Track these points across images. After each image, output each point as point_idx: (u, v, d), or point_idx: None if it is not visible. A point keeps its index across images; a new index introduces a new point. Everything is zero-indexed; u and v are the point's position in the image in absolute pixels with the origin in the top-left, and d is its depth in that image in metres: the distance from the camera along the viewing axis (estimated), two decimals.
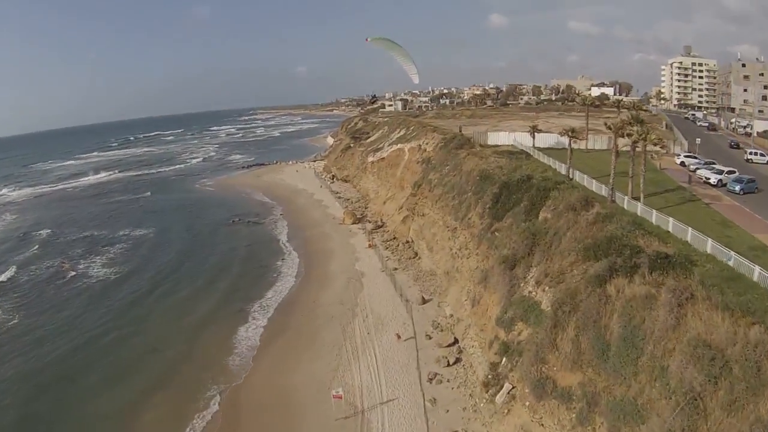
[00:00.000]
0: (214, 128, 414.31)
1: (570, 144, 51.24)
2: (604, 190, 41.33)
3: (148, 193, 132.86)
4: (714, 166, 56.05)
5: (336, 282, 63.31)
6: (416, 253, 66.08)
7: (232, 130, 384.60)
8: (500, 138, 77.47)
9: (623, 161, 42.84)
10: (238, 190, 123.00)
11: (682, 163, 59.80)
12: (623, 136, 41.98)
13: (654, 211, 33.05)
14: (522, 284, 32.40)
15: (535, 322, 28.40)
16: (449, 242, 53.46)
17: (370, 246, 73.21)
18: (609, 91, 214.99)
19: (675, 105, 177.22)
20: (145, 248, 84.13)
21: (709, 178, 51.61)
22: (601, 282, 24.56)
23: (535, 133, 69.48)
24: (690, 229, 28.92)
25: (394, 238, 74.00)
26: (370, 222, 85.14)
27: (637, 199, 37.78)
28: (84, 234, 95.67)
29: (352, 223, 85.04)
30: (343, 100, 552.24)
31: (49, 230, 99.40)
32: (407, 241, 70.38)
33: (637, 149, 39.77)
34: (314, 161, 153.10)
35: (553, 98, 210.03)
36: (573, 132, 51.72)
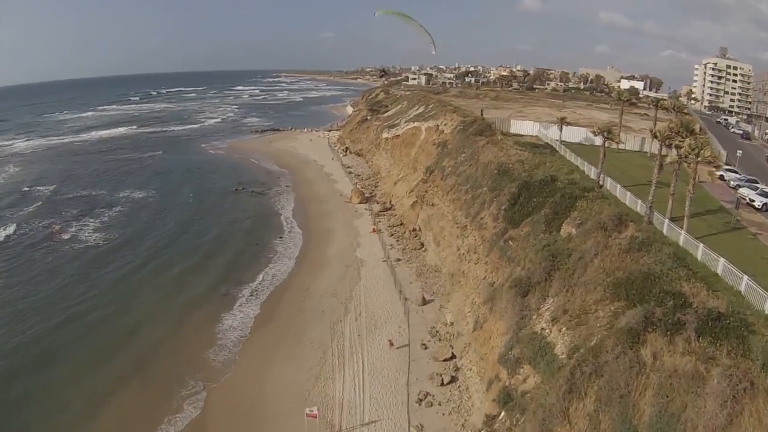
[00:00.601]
0: (238, 88, 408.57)
1: (604, 146, 44.97)
2: (639, 206, 35.39)
3: (159, 152, 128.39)
4: (758, 185, 47.97)
5: (333, 269, 58.71)
6: (422, 244, 60.95)
7: (256, 91, 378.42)
8: (524, 127, 71.36)
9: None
10: (248, 156, 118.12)
11: (722, 177, 52.25)
12: (670, 147, 35.99)
13: (701, 245, 27.13)
14: (534, 317, 27.11)
15: (545, 369, 23.24)
16: (458, 240, 48.19)
17: (374, 231, 68.24)
18: (639, 85, 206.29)
19: (705, 107, 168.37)
20: (144, 214, 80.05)
21: (753, 200, 43.76)
22: (635, 339, 19.26)
23: (563, 126, 63.27)
24: (745, 276, 23.16)
25: (401, 224, 68.89)
26: (378, 203, 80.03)
27: (678, 220, 31.93)
28: (84, 192, 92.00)
29: (359, 203, 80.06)
30: (368, 70, 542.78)
31: (49, 186, 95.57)
32: (414, 229, 65.18)
33: (684, 163, 33.17)
34: (329, 131, 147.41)
35: (581, 87, 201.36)
36: (609, 133, 45.16)
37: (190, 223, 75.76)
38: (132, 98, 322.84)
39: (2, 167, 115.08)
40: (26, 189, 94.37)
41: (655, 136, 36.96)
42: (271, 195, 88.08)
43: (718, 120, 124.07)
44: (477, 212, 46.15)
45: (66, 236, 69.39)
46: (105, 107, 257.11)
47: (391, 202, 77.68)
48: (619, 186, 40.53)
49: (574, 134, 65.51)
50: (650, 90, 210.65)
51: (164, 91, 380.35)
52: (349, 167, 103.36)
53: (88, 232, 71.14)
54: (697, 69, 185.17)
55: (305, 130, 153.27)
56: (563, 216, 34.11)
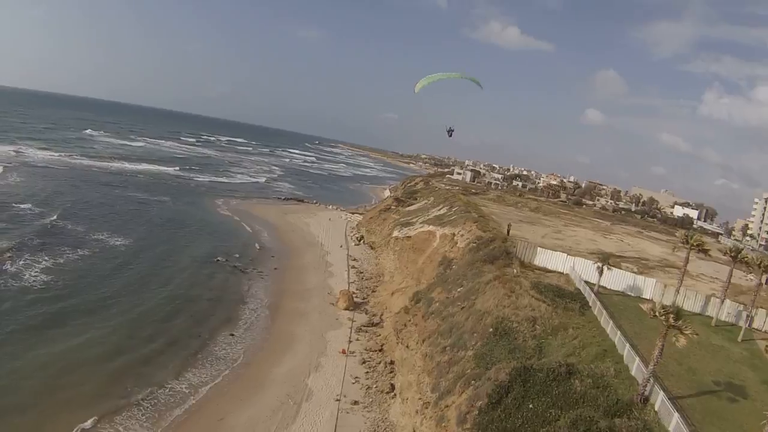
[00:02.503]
0: (295, 152, 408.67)
1: (668, 331, 26.65)
2: None
3: (168, 199, 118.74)
4: None
5: (268, 397, 44.89)
6: (392, 388, 45.86)
7: (311, 157, 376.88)
8: (554, 259, 55.67)
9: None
10: (251, 223, 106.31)
11: None
12: None
13: None
14: None
15: None
16: (415, 418, 33.25)
17: (343, 352, 53.77)
18: (693, 213, 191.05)
19: (761, 245, 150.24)
20: (102, 266, 67.67)
21: None
22: None
23: (605, 269, 48.55)
24: None
25: (381, 350, 54.32)
26: (367, 313, 65.78)
27: None
28: (62, 223, 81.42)
29: (345, 308, 65.96)
30: (423, 156, 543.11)
31: (32, 207, 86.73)
32: (392, 362, 50.38)
33: None
34: (353, 213, 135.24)
35: (632, 209, 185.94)
36: (676, 318, 26.02)
37: (144, 289, 62.99)
38: (184, 138, 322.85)
39: (3, 175, 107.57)
40: (5, 202, 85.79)
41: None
42: (252, 276, 75.02)
43: None
44: (445, 393, 31.38)
45: (8, 267, 59.72)
46: (157, 140, 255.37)
47: (381, 317, 63.23)
48: (676, 416, 23.74)
49: (618, 280, 50.55)
50: (704, 220, 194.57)
51: (223, 139, 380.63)
52: (355, 260, 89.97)
53: (33, 272, 60.24)
54: (756, 203, 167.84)
55: (330, 207, 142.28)
56: None
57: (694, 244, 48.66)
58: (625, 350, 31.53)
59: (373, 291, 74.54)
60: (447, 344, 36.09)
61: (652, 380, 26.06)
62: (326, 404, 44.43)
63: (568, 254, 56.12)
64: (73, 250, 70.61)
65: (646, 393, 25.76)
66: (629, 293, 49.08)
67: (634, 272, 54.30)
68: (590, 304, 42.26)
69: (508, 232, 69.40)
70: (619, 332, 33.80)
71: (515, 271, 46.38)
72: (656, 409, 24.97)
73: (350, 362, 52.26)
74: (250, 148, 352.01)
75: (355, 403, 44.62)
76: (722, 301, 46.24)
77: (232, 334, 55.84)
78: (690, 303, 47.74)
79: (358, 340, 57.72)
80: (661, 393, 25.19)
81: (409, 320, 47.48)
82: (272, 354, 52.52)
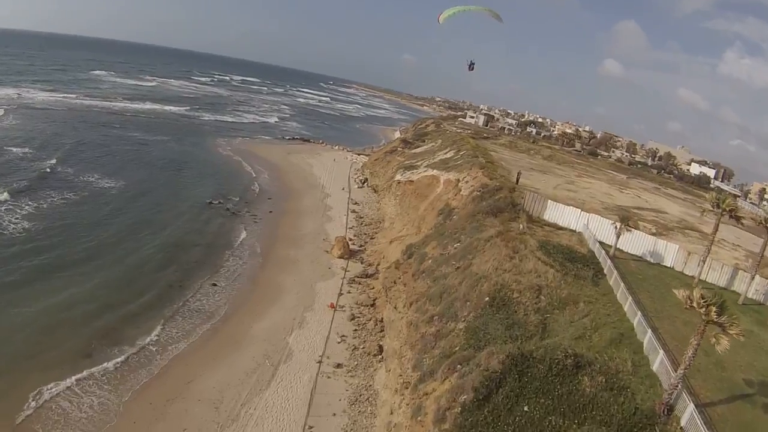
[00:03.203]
0: (308, 92, 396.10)
1: (700, 339, 20.65)
2: None
3: (169, 139, 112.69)
4: None
5: (245, 356, 40.60)
6: (381, 350, 41.03)
7: (326, 98, 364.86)
8: (565, 215, 48.47)
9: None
10: (253, 164, 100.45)
11: None
12: None
13: None
14: None
15: None
16: (394, 398, 28.21)
17: (332, 306, 48.95)
18: (710, 172, 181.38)
19: None
20: (89, 210, 62.85)
21: None
22: None
23: (624, 230, 41.72)
24: None
25: (373, 305, 49.35)
26: (363, 262, 60.73)
27: None
28: (53, 165, 76.15)
29: (340, 257, 60.92)
30: (438, 99, 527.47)
31: (25, 149, 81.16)
32: (382, 320, 45.45)
33: None
34: (359, 154, 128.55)
35: (649, 163, 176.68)
36: (719, 313, 19.84)
37: (130, 236, 58.24)
38: (196, 77, 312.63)
39: (0, 118, 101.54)
40: None
41: None
42: (246, 219, 70.00)
43: None
44: (427, 374, 26.02)
45: None
46: (168, 80, 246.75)
47: (377, 267, 57.98)
48: None
49: (637, 243, 43.98)
50: (722, 180, 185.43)
51: (237, 78, 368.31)
52: (356, 203, 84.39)
53: (14, 218, 55.40)
54: None
55: (336, 147, 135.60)
56: None
57: (726, 209, 41.05)
58: (646, 338, 25.58)
59: (372, 238, 69.25)
60: (435, 312, 30.59)
61: (680, 386, 20.50)
62: (307, 366, 39.96)
63: (582, 210, 48.99)
64: (59, 193, 65.89)
65: (672, 401, 20.24)
66: (648, 259, 42.82)
67: (652, 234, 47.82)
68: (605, 271, 35.81)
69: (518, 180, 63.11)
70: (639, 313, 27.66)
71: (521, 226, 40.40)
72: (682, 425, 19.46)
73: (338, 318, 47.55)
74: (264, 88, 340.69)
75: (339, 366, 40.06)
76: (752, 277, 39.54)
77: (215, 284, 51.33)
78: (715, 275, 41.59)
79: (349, 292, 52.83)
80: (691, 405, 19.69)
81: (399, 277, 42.03)
82: (255, 307, 47.87)
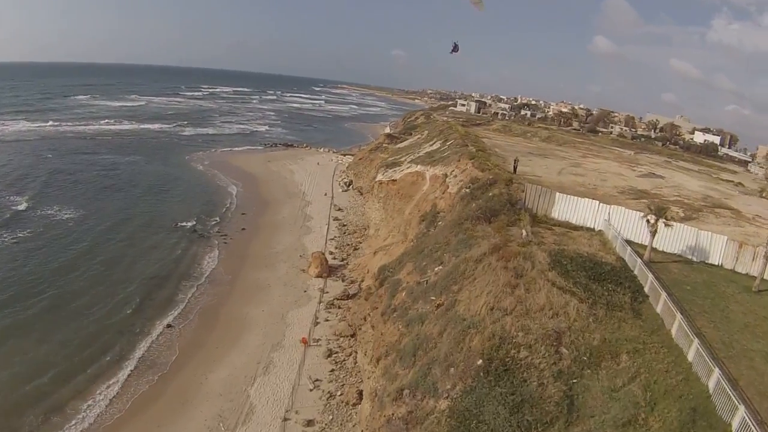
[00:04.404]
0: (299, 96, 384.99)
1: None
2: None
3: (141, 158, 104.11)
4: None
5: (191, 421, 32.40)
6: (361, 396, 32.12)
7: (319, 101, 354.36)
8: (579, 210, 38.24)
9: None
10: (228, 176, 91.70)
11: None
12: None
13: None
14: None
15: None
16: None
17: (304, 342, 40.17)
18: (715, 139, 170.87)
19: None
20: (35, 250, 54.39)
21: None
22: None
23: (661, 224, 31.83)
24: None
25: (353, 335, 40.39)
26: (344, 280, 51.95)
27: None
28: (7, 198, 68.88)
29: (317, 276, 52.10)
30: (429, 91, 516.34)
31: None
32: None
33: None
34: (344, 155, 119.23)
35: (652, 136, 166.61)
36: None
37: (83, 276, 50.02)
38: (183, 92, 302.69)
39: None
40: None
41: None
42: (215, 241, 61.49)
43: None
44: None
45: None
46: (153, 97, 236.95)
47: (361, 284, 49.01)
48: None
49: (673, 237, 34.11)
50: (728, 147, 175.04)
51: (229, 90, 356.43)
52: (339, 210, 75.45)
53: None
54: None
55: (321, 149, 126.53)
56: None
57: None
58: (737, 417, 16.12)
59: (356, 249, 60.34)
60: (406, 383, 21.30)
61: None
62: (270, 427, 31.32)
63: (599, 201, 38.81)
64: (14, 235, 57.78)
65: None
66: (690, 257, 33.52)
67: (681, 219, 38.15)
68: (647, 290, 26.37)
69: (515, 168, 54.00)
70: (716, 370, 18.05)
71: (524, 233, 31.06)
72: None
73: (312, 355, 38.95)
74: (256, 97, 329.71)
75: (310, 423, 31.46)
76: None
77: (170, 326, 42.96)
78: (745, 264, 32.56)
79: (327, 320, 44.11)
80: None
81: (368, 314, 32.91)
82: (213, 352, 39.37)
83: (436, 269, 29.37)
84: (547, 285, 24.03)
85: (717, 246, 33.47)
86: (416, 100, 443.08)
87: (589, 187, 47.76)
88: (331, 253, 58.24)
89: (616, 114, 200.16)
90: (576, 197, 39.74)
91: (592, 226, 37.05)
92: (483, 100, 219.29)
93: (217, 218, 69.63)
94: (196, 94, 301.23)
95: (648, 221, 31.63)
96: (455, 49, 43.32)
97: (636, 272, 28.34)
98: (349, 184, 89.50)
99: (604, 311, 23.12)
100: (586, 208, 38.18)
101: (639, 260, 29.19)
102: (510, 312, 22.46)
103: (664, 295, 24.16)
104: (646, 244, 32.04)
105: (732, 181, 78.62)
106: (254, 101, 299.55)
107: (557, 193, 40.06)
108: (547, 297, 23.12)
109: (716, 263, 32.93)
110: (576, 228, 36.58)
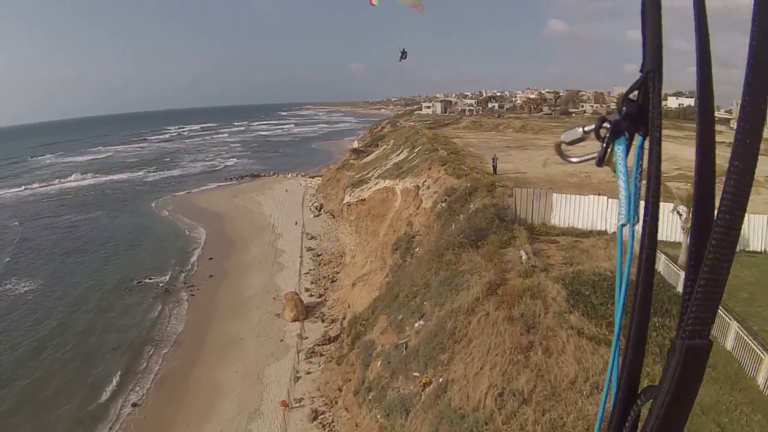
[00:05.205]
0: (267, 122, 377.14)
1: None
2: None
3: (103, 213, 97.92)
4: None
5: None
6: None
7: (288, 125, 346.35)
8: (583, 211, 31.73)
9: None
10: (192, 219, 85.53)
11: None
12: None
13: None
14: None
15: None
16: None
17: (284, 405, 34.36)
18: (690, 102, 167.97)
19: None
20: None
21: None
22: None
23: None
24: None
25: (341, 389, 34.58)
26: (323, 320, 46.36)
27: None
28: None
29: (293, 320, 46.43)
30: (393, 99, 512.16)
31: None
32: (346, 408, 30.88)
33: None
34: (312, 177, 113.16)
35: None
36: None
37: (37, 351, 44.69)
38: (150, 137, 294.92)
39: None
40: None
41: None
42: (179, 295, 55.78)
43: None
44: None
45: None
46: (111, 147, 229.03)
47: (343, 322, 43.38)
48: None
49: None
50: None
51: (197, 127, 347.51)
52: (313, 237, 69.82)
53: None
54: None
55: (288, 175, 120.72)
56: None
57: None
58: None
59: (333, 281, 54.64)
60: None
61: None
62: None
63: (608, 197, 31.54)
64: None
65: None
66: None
67: (690, 196, 33.15)
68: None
69: (495, 168, 48.88)
70: None
71: (523, 255, 24.90)
72: None
73: (296, 419, 33.15)
74: (225, 131, 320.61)
75: None
76: None
77: (135, 405, 37.15)
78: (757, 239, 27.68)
79: (309, 373, 38.34)
80: None
81: (341, 386, 27.06)
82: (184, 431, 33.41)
83: (416, 325, 23.14)
84: (572, 337, 17.88)
85: (756, 227, 27.77)
86: (382, 110, 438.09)
87: (581, 176, 42.60)
88: (307, 289, 52.63)
89: (584, 93, 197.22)
90: (578, 196, 33.63)
91: (603, 228, 31.18)
92: (448, 99, 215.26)
93: (184, 268, 63.83)
94: (163, 136, 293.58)
95: (679, 214, 25.06)
96: (404, 56, 42.07)
97: (680, 289, 21.76)
98: (320, 209, 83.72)
99: (659, 364, 16.72)
100: (592, 206, 32.21)
101: (678, 269, 22.68)
102: (529, 398, 15.91)
103: (735, 325, 17.99)
104: (677, 241, 25.82)
105: (724, 142, 74.41)
106: (224, 134, 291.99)
107: (554, 195, 34.03)
108: (576, 358, 16.79)
109: (759, 250, 27.44)
110: (585, 234, 30.50)
